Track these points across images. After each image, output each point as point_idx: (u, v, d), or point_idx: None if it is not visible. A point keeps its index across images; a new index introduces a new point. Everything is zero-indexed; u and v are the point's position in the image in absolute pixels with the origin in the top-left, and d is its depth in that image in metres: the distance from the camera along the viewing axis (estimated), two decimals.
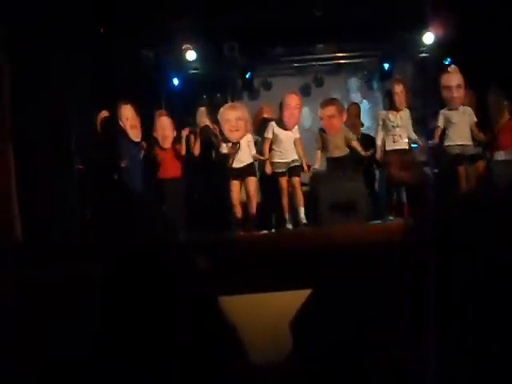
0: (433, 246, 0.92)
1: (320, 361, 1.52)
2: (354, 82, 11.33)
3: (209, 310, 1.15)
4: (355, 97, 11.16)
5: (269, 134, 7.98)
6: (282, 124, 7.99)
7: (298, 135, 8.06)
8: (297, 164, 7.94)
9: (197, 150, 8.18)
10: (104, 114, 7.89)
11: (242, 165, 7.81)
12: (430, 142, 8.21)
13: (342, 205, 6.76)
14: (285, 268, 3.35)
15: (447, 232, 0.93)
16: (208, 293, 1.17)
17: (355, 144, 8.25)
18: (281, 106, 8.05)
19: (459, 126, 7.75)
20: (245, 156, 7.87)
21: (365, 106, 10.94)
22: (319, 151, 8.19)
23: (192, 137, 8.29)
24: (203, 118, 8.51)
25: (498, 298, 0.85)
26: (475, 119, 7.83)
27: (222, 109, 8.04)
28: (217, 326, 1.15)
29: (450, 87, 7.78)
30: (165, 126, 8.07)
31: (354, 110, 9.30)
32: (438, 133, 7.93)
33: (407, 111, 8.08)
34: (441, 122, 7.88)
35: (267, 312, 3.06)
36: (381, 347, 1.01)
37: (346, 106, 8.98)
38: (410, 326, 0.93)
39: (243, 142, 7.87)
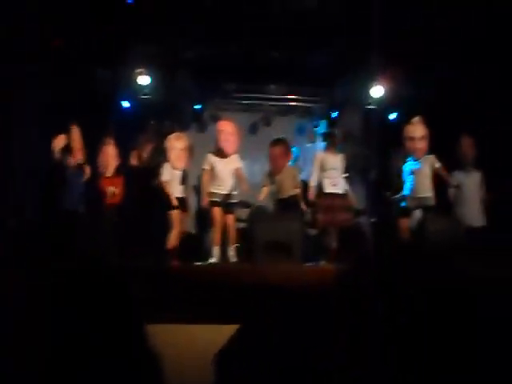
0: (370, 289, 0.97)
1: None
2: (301, 125, 11.51)
3: (135, 335, 1.16)
4: (302, 140, 11.35)
5: (205, 165, 7.78)
6: (218, 152, 7.78)
7: (238, 164, 7.84)
8: (234, 200, 7.78)
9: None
10: (60, 137, 7.85)
11: (178, 195, 7.85)
12: (387, 193, 8.28)
13: (278, 245, 6.74)
14: (215, 301, 3.35)
15: (383, 278, 0.98)
16: (136, 318, 1.18)
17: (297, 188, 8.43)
18: (216, 134, 7.89)
19: (419, 178, 7.69)
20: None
21: (311, 150, 11.15)
22: (265, 188, 8.31)
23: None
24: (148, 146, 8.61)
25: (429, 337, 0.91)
26: (438, 165, 7.74)
27: (170, 136, 8.07)
28: (141, 351, 1.15)
29: (414, 138, 7.68)
30: (109, 155, 8.19)
31: None
32: (401, 185, 7.86)
33: (342, 156, 8.20)
34: (405, 175, 7.82)
35: (194, 343, 3.05)
36: None
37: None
38: (337, 366, 0.97)
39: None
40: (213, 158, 7.75)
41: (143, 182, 8.32)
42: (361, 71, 9.81)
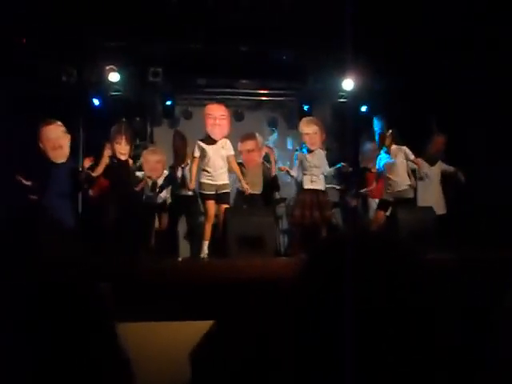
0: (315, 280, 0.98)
1: None
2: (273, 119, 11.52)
3: (104, 337, 1.14)
4: (275, 135, 11.36)
5: (196, 153, 7.47)
6: (207, 138, 7.46)
7: (231, 152, 7.52)
8: (226, 190, 7.41)
9: (99, 171, 7.94)
10: None
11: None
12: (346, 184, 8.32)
13: (250, 239, 6.66)
14: (189, 298, 3.34)
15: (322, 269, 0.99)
16: (106, 318, 1.16)
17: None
18: (204, 119, 7.60)
19: (396, 171, 7.77)
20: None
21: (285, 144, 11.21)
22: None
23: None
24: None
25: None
26: (412, 156, 7.81)
27: (145, 152, 8.56)
28: (109, 353, 1.13)
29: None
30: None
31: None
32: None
33: (322, 152, 8.16)
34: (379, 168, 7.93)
35: (170, 341, 3.04)
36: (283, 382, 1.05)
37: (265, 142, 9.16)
38: (307, 359, 0.97)
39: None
40: (202, 144, 7.44)
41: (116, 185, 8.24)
42: (332, 64, 9.84)
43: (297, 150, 8.59)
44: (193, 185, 7.61)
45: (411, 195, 7.80)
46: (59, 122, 7.43)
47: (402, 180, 7.76)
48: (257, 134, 8.92)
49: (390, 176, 7.76)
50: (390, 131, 7.86)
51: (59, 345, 1.05)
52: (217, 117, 7.52)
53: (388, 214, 7.75)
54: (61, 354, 1.05)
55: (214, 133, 7.45)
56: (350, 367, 0.90)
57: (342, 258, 0.97)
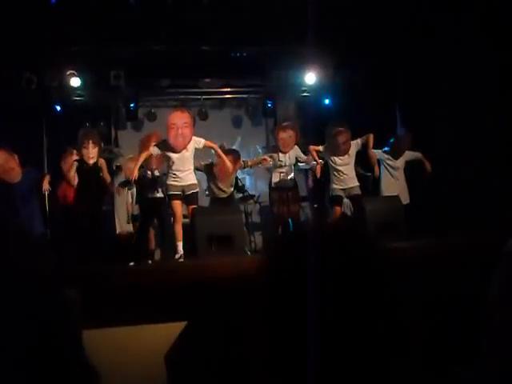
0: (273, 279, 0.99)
1: None
2: (238, 118, 11.54)
3: (69, 344, 1.13)
4: (238, 133, 11.38)
5: (154, 153, 7.50)
6: (170, 147, 7.35)
7: (201, 144, 7.48)
8: (194, 191, 7.37)
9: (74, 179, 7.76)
10: None
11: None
12: (309, 178, 8.44)
13: (220, 238, 6.64)
14: (161, 300, 3.35)
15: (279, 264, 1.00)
16: (72, 325, 1.16)
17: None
18: (167, 128, 7.40)
19: (344, 171, 7.94)
20: None
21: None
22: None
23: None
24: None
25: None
26: (360, 141, 7.97)
27: (126, 158, 8.69)
28: (74, 361, 1.13)
29: (336, 136, 7.92)
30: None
31: None
32: (318, 169, 8.24)
33: (296, 148, 8.29)
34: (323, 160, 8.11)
35: (143, 344, 3.04)
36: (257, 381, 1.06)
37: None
38: (280, 358, 0.98)
39: None
40: (166, 153, 7.42)
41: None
42: (293, 59, 9.90)
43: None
44: (135, 173, 7.43)
45: (359, 192, 7.99)
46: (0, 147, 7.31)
47: (350, 178, 7.98)
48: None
49: (342, 171, 7.95)
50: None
51: (24, 353, 1.05)
52: (180, 126, 7.32)
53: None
54: (26, 361, 1.05)
55: (177, 144, 7.33)
56: (320, 361, 0.92)
57: (302, 252, 0.98)
